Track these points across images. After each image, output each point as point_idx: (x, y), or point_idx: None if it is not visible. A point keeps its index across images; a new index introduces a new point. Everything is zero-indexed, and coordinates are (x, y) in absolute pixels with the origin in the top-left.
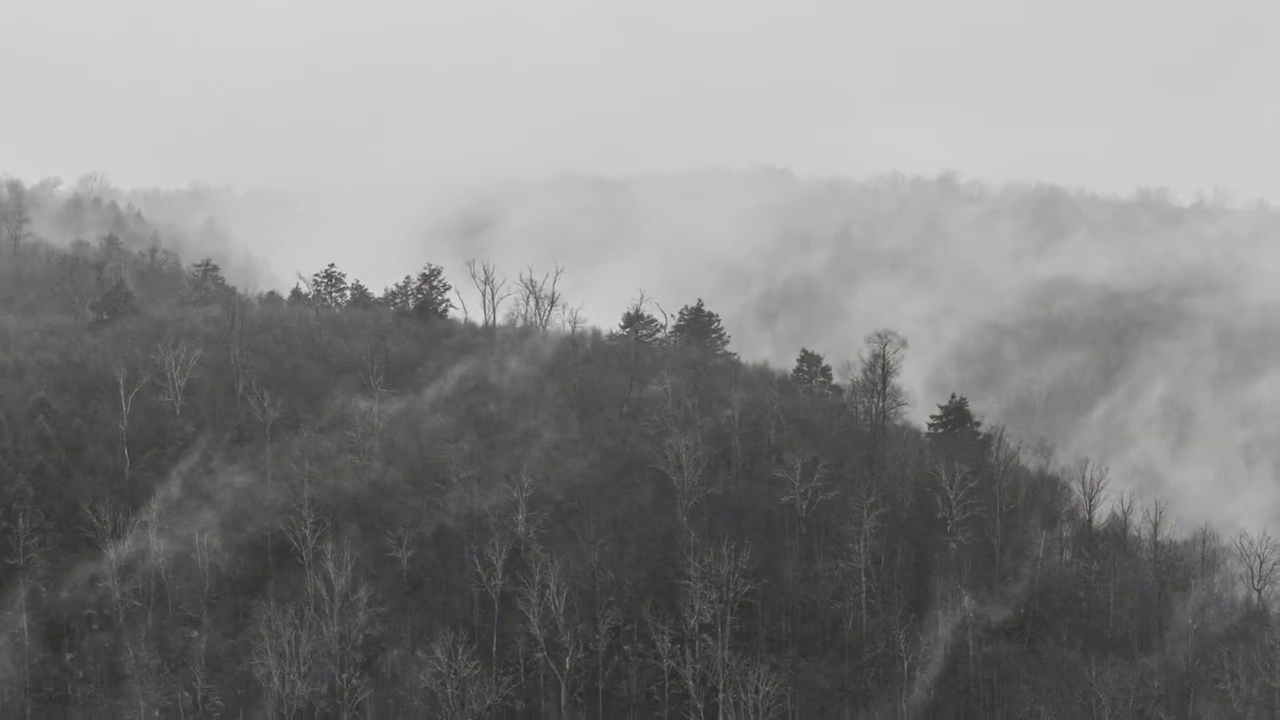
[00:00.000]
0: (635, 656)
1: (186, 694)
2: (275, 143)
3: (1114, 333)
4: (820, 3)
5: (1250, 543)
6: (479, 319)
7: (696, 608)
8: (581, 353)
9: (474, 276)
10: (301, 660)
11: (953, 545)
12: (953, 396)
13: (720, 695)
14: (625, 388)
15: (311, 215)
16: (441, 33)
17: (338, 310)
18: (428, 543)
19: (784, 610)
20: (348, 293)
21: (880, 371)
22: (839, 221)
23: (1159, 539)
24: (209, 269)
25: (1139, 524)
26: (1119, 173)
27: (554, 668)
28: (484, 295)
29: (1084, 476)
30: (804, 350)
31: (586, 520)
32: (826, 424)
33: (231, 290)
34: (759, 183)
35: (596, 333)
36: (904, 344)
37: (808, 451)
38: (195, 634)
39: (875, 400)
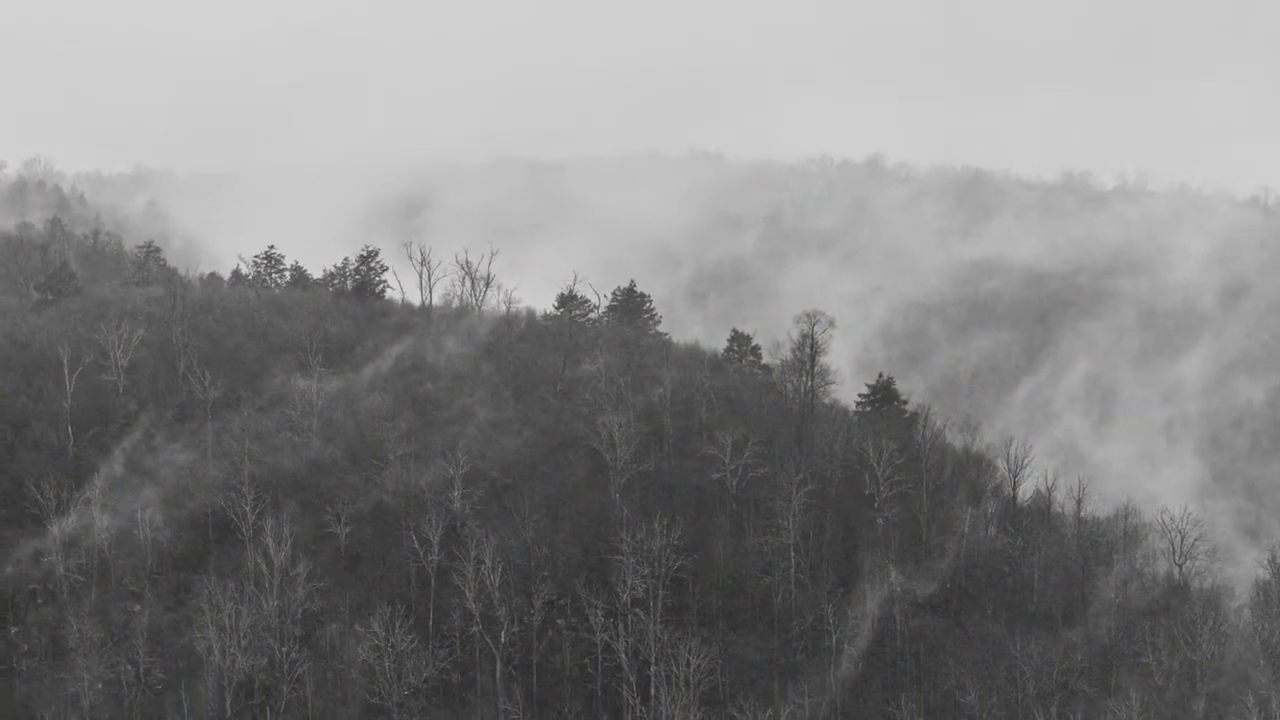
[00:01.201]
0: (569, 630)
1: (129, 667)
2: (216, 127)
3: (1038, 312)
4: None
5: (1172, 519)
6: (416, 299)
7: (629, 582)
8: (516, 332)
9: (411, 258)
10: (242, 634)
11: (880, 521)
12: (880, 375)
13: (652, 668)
14: (559, 367)
15: (251, 198)
16: (380, 17)
17: (277, 291)
18: (365, 519)
19: (715, 585)
20: (287, 274)
21: (809, 351)
22: (769, 203)
23: (1082, 515)
24: (151, 250)
25: (1063, 500)
26: (1043, 156)
27: (489, 641)
28: (420, 276)
29: (1009, 454)
30: (734, 330)
31: (521, 497)
32: (756, 402)
33: (173, 271)
34: (690, 166)
35: (531, 313)
36: (832, 324)
37: (738, 429)
38: (138, 608)
39: (804, 379)
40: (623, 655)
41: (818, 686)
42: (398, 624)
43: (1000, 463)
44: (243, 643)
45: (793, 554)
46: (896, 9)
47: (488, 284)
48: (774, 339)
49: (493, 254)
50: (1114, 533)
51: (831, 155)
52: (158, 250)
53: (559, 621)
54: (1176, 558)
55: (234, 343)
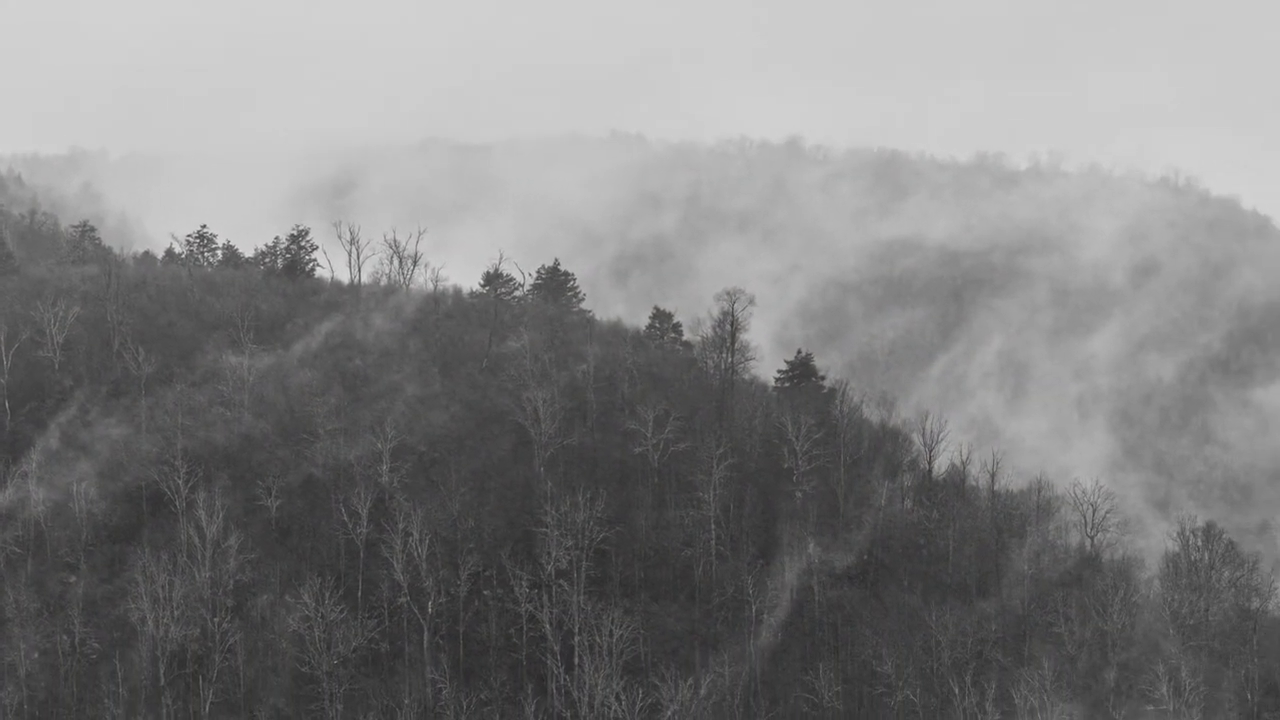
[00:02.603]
0: (495, 601)
1: (65, 637)
2: (150, 109)
3: (952, 290)
4: None
5: (1083, 491)
6: (345, 278)
7: (553, 554)
8: (443, 310)
9: (340, 237)
10: (175, 604)
11: (798, 494)
12: (799, 352)
13: (576, 638)
14: (485, 343)
15: (184, 179)
16: (312, 3)
17: (209, 269)
18: (296, 492)
19: (637, 556)
20: (219, 253)
21: (729, 328)
22: (689, 184)
23: (996, 488)
24: (86, 230)
25: (977, 474)
26: (958, 137)
27: (417, 612)
28: (350, 255)
29: (924, 428)
30: (656, 307)
31: (448, 470)
32: (677, 378)
33: (108, 251)
34: (612, 148)
35: (457, 291)
36: (752, 301)
37: (659, 404)
38: (73, 579)
39: (724, 355)
40: (547, 625)
41: (738, 656)
42: (327, 595)
43: (916, 437)
44: (176, 613)
45: (713, 526)
46: None
47: (415, 263)
48: (695, 316)
49: (420, 233)
50: (1027, 506)
51: (750, 137)
52: (93, 230)
53: (485, 592)
54: (1088, 530)
55: (167, 320)
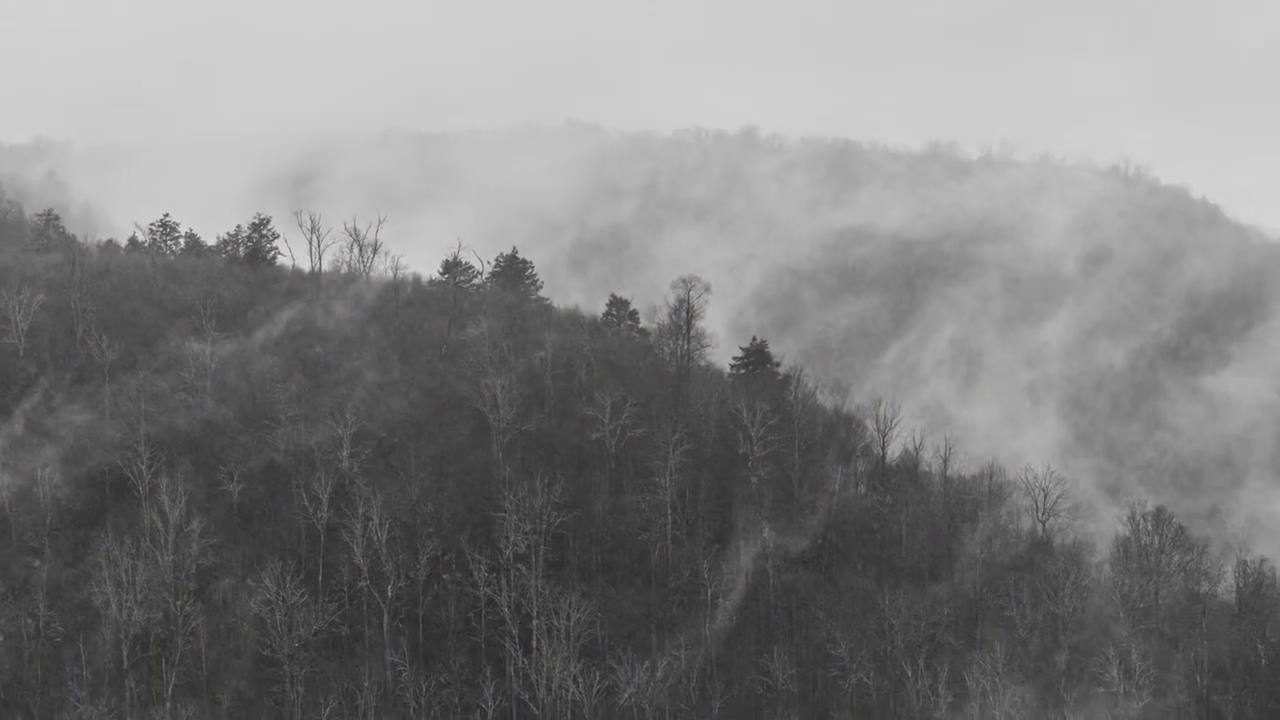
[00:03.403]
0: (454, 585)
1: (29, 620)
2: (114, 98)
3: (906, 278)
4: None
5: (1035, 477)
6: (306, 266)
7: (511, 539)
8: (403, 298)
9: (301, 226)
10: (138, 588)
11: (753, 479)
12: (754, 339)
13: (534, 621)
14: (444, 331)
15: (148, 167)
16: None
17: (172, 258)
18: (257, 477)
19: (594, 541)
20: (182, 241)
21: (685, 315)
22: (646, 173)
23: (948, 473)
24: (51, 219)
25: (930, 459)
26: (911, 127)
27: (377, 595)
28: (310, 243)
29: (878, 414)
30: (613, 295)
31: (407, 456)
32: (634, 365)
33: (72, 239)
34: (571, 137)
35: (417, 279)
36: (707, 289)
37: (616, 391)
38: (37, 563)
39: (680, 342)
40: (505, 609)
41: (693, 639)
42: (288, 579)
43: (869, 423)
44: (139, 597)
45: (669, 511)
46: None
47: (375, 251)
48: (651, 304)
49: (380, 222)
50: (979, 491)
51: (706, 127)
52: (57, 218)
53: (444, 576)
54: (1040, 515)
55: (131, 308)
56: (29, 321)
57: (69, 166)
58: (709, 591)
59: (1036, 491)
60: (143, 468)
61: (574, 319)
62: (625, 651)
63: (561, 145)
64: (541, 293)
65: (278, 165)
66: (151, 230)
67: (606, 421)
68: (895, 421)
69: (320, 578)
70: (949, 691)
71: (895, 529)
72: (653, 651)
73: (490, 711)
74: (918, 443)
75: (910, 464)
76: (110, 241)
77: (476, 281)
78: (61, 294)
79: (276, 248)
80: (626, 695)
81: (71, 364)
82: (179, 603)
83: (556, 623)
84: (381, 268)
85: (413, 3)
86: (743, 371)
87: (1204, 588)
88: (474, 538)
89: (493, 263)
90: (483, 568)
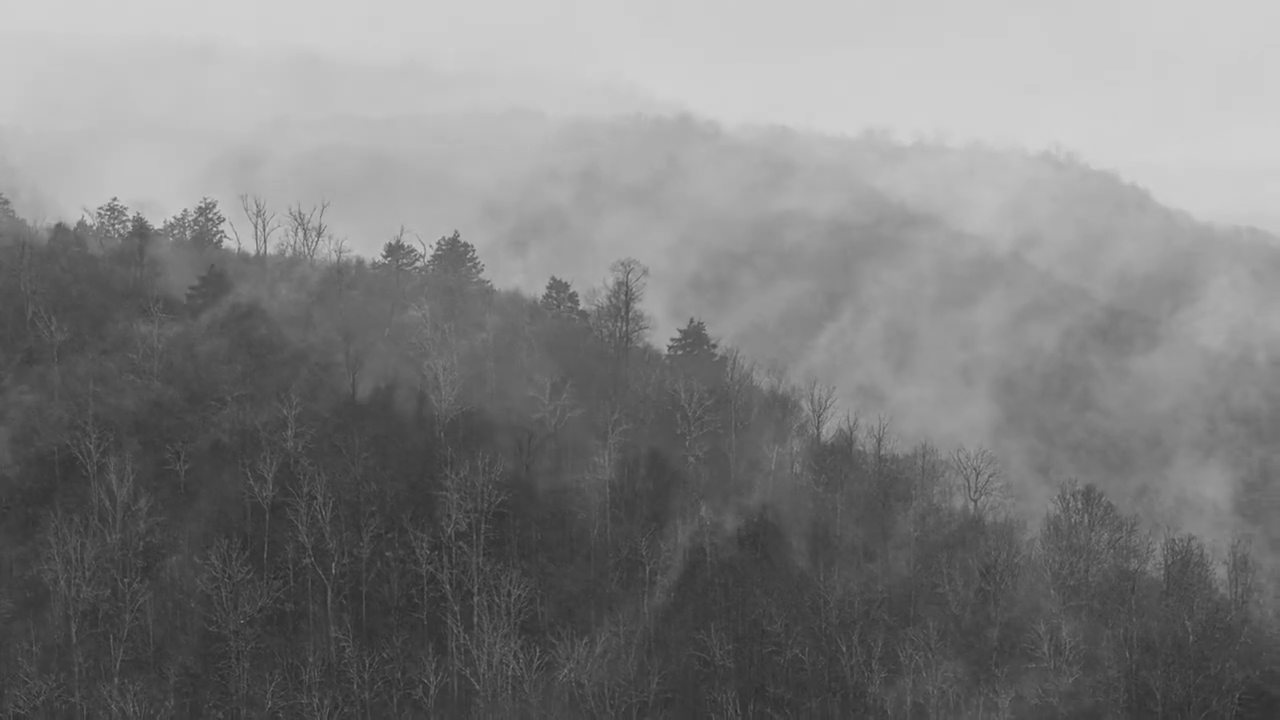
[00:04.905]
0: (396, 562)
1: None
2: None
3: (841, 262)
4: None
5: (967, 456)
6: (251, 249)
7: (453, 517)
8: (346, 280)
9: (246, 210)
10: (86, 566)
11: (691, 459)
12: (691, 320)
13: (475, 598)
14: (387, 313)
15: (96, 152)
16: None
17: (120, 241)
18: (204, 457)
19: (535, 519)
20: (129, 225)
21: (624, 297)
22: (586, 158)
23: (882, 453)
24: (0, 203)
25: (864, 439)
26: (845, 113)
27: (321, 573)
28: (256, 227)
29: (813, 395)
30: (553, 278)
31: (351, 436)
32: (574, 346)
33: (21, 222)
34: (511, 122)
35: (360, 262)
36: (646, 272)
37: (556, 372)
38: None
39: (619, 324)
40: (447, 586)
41: (632, 615)
42: (234, 556)
43: (805, 403)
44: (87, 574)
45: (608, 490)
46: None
47: (319, 234)
48: (591, 286)
49: (324, 206)
50: (913, 470)
51: (644, 113)
52: (6, 202)
53: (387, 554)
54: (972, 494)
55: (79, 290)
56: None
57: (17, 151)
58: (647, 569)
59: (969, 471)
60: (91, 447)
61: (515, 301)
62: (565, 628)
63: (503, 130)
64: (483, 275)
65: (223, 150)
66: (100, 214)
67: (546, 402)
68: (830, 402)
69: (265, 555)
70: (883, 667)
71: (830, 508)
72: (592, 628)
73: (432, 686)
74: (852, 423)
75: (845, 444)
76: (59, 225)
77: (419, 265)
78: (11, 277)
79: (222, 231)
80: (566, 671)
81: (21, 346)
82: (126, 580)
83: (497, 599)
84: (325, 251)
85: None
86: (680, 353)
87: (1133, 565)
88: (416, 516)
89: (435, 246)
90: (425, 545)
